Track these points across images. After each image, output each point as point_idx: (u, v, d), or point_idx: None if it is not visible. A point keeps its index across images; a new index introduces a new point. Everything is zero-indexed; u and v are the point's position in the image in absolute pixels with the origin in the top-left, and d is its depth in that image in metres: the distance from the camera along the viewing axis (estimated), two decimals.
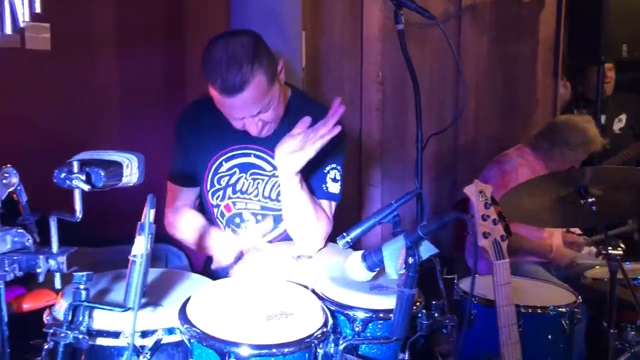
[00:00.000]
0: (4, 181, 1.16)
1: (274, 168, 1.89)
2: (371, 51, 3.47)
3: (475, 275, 1.55)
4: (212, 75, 1.69)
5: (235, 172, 1.95)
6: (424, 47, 3.53)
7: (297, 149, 1.67)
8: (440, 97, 3.67)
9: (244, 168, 1.95)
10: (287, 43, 2.36)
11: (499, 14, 3.82)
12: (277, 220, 1.92)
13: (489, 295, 1.90)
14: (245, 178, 1.95)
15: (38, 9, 1.03)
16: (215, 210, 1.98)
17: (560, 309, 2.01)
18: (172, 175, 2.04)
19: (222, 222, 1.98)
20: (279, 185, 1.87)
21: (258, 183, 1.95)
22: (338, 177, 1.96)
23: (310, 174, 1.86)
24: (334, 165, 1.94)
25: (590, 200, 2.15)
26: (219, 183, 1.95)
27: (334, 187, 1.95)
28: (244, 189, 1.95)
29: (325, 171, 1.93)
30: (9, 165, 1.17)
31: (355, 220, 3.67)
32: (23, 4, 1.04)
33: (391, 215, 1.42)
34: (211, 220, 2.00)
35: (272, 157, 1.81)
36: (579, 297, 2.11)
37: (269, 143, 1.86)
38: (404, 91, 3.52)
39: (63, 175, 1.13)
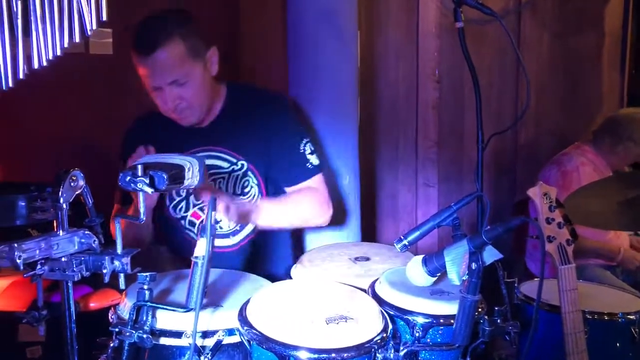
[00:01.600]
0: (71, 184, 1.20)
1: (231, 164, 1.92)
2: (427, 48, 3.42)
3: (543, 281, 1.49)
4: (133, 37, 1.73)
5: None
6: (482, 44, 3.45)
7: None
8: (500, 94, 3.58)
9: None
10: (342, 43, 2.34)
11: (561, 7, 3.68)
12: None
13: (552, 300, 1.83)
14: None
15: (104, 17, 1.05)
16: (182, 222, 1.96)
17: (629, 316, 1.91)
18: (117, 195, 2.01)
19: (193, 232, 1.95)
20: (241, 179, 1.91)
21: (220, 182, 1.93)
22: (313, 148, 2.00)
23: (289, 160, 1.85)
24: (304, 140, 1.98)
25: None
26: (178, 195, 1.93)
27: (315, 159, 2.00)
28: None
29: (302, 150, 1.96)
30: (76, 169, 1.21)
31: (411, 222, 3.65)
32: (91, 12, 1.06)
33: (451, 218, 1.38)
34: (173, 235, 1.98)
35: (226, 153, 1.85)
36: None
37: (216, 140, 1.86)
38: (461, 89, 3.45)
39: (128, 178, 1.15)
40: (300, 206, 1.94)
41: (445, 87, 3.48)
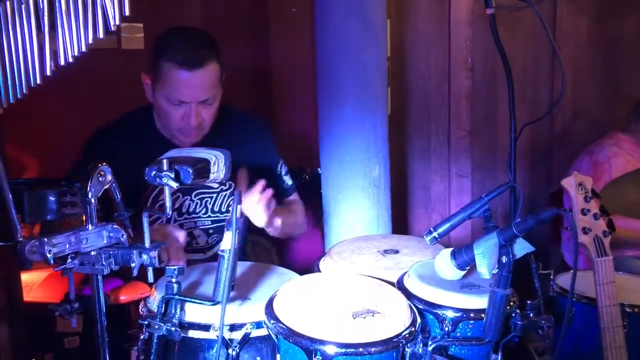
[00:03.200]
0: (99, 179, 1.21)
1: (220, 184, 1.95)
2: (460, 36, 3.35)
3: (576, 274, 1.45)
4: (171, 50, 1.73)
5: (178, 197, 1.92)
6: (516, 31, 3.37)
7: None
8: (535, 82, 3.50)
9: (187, 191, 1.92)
10: (371, 32, 2.31)
11: None
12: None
13: (588, 292, 1.78)
14: (191, 199, 1.94)
15: (127, 12, 1.05)
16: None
17: None
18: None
19: None
20: (227, 198, 1.96)
21: (206, 201, 1.95)
22: (286, 168, 2.13)
23: (269, 180, 1.84)
24: (280, 162, 2.10)
25: None
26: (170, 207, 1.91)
27: (289, 180, 2.13)
28: (191, 210, 1.94)
29: (279, 172, 2.09)
30: (104, 164, 1.22)
31: (443, 212, 3.62)
32: (114, 7, 1.07)
33: (482, 210, 1.35)
34: None
35: None
36: None
37: None
38: (494, 77, 3.39)
39: (153, 173, 1.16)
40: (299, 215, 2.10)
41: (478, 76, 3.42)
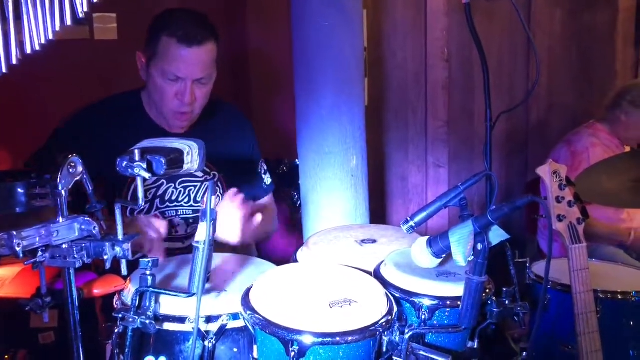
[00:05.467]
0: (70, 170, 1.18)
1: (205, 174, 1.96)
2: (436, 27, 3.36)
3: (550, 260, 1.46)
4: (173, 26, 1.77)
5: (162, 183, 1.92)
6: (492, 21, 3.39)
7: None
8: (511, 72, 3.53)
9: (172, 178, 1.92)
10: (347, 22, 2.30)
11: None
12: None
13: (564, 279, 1.80)
14: (175, 187, 1.94)
15: None
16: None
17: None
18: None
19: None
20: (214, 186, 1.97)
21: (190, 190, 1.95)
22: (266, 167, 2.18)
23: (250, 177, 1.89)
24: (260, 161, 2.15)
25: None
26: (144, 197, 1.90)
27: (267, 179, 2.17)
28: (173, 198, 1.94)
29: (259, 170, 2.14)
30: (74, 155, 1.19)
31: (421, 203, 3.64)
32: None
33: (458, 199, 1.35)
34: None
35: None
36: None
37: None
38: (471, 68, 3.41)
39: (125, 163, 1.13)
40: (271, 220, 2.14)
41: (455, 67, 3.43)
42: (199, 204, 1.96)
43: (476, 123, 3.48)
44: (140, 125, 1.89)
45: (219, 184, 2.00)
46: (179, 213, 1.95)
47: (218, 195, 1.98)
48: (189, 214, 1.97)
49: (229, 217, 1.72)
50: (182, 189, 1.94)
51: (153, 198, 1.92)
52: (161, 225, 1.62)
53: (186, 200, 1.95)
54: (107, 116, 1.89)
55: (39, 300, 1.26)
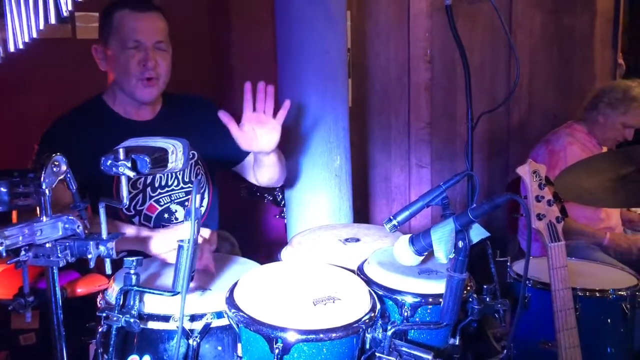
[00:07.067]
0: (54, 169, 1.18)
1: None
2: (419, 28, 3.39)
3: (529, 258, 1.49)
4: (121, 2, 1.84)
5: None
6: (474, 23, 3.43)
7: (268, 132, 1.81)
8: (492, 74, 3.57)
9: None
10: (331, 23, 2.31)
11: None
12: (201, 197, 1.97)
13: (544, 277, 1.83)
14: (162, 173, 1.94)
15: None
16: (137, 219, 1.91)
17: (620, 292, 1.91)
18: None
19: (149, 226, 1.90)
20: (194, 167, 1.99)
21: (176, 173, 1.94)
22: None
23: (227, 147, 1.89)
24: None
25: None
26: (134, 188, 1.90)
27: None
28: (163, 183, 1.93)
29: None
30: (58, 154, 1.19)
31: (404, 203, 3.66)
32: None
33: (440, 198, 1.37)
34: None
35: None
36: None
37: (166, 132, 1.53)
38: (454, 69, 3.44)
39: (109, 162, 1.13)
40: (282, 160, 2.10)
41: (437, 68, 3.46)
42: (188, 184, 1.96)
43: (458, 124, 3.51)
44: (108, 123, 1.89)
45: (200, 162, 2.00)
46: (172, 198, 1.95)
47: (201, 174, 2.00)
48: (182, 197, 1.96)
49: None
50: (170, 173, 1.92)
51: (144, 187, 1.91)
52: (205, 232, 1.59)
53: (175, 183, 1.94)
54: (76, 124, 1.89)
55: (22, 299, 1.25)
